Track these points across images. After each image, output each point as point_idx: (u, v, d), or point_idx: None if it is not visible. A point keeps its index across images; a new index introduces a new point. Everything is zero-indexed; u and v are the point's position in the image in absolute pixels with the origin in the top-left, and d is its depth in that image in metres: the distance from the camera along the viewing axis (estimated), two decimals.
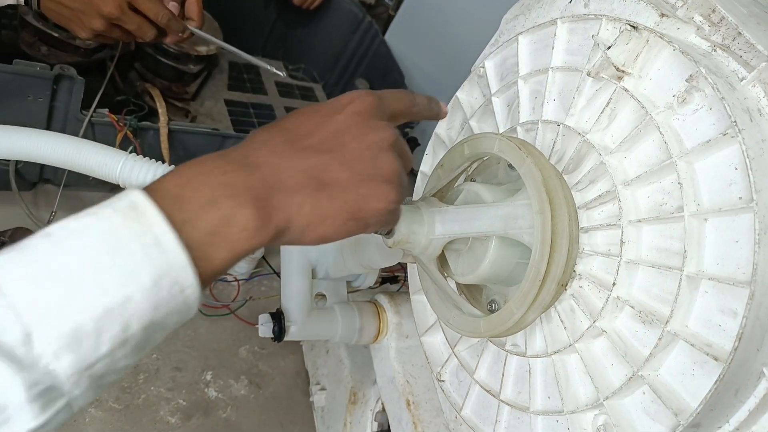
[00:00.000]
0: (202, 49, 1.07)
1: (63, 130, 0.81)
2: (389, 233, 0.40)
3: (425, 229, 0.40)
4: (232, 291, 0.96)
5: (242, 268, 0.96)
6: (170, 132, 0.88)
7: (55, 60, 0.93)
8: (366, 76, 1.29)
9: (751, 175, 0.32)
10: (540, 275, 0.38)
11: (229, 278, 0.95)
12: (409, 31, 1.30)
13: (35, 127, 0.79)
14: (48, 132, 0.61)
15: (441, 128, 0.61)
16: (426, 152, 0.63)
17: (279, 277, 1.00)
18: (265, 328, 0.62)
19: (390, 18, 1.32)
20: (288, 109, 1.28)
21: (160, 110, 0.88)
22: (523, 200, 0.41)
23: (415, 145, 1.34)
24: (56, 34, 0.90)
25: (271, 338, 0.63)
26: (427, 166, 0.63)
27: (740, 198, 0.34)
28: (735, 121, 0.34)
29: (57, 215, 0.85)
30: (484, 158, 0.48)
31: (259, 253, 0.95)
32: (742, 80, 0.38)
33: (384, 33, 1.32)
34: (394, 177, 0.32)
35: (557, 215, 0.39)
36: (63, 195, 0.87)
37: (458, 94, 0.58)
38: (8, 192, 0.87)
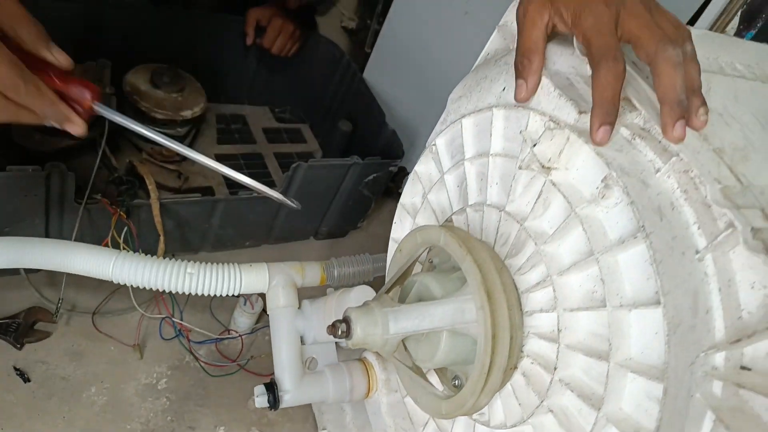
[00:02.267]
0: (187, 113, 1.11)
1: (61, 220, 0.86)
2: (348, 336, 0.44)
3: (380, 330, 0.44)
4: (237, 346, 1.00)
5: (244, 324, 1.00)
6: (162, 205, 0.92)
7: (48, 146, 0.98)
8: (349, 115, 1.32)
9: (658, 279, 0.35)
10: (485, 367, 0.42)
11: (234, 335, 0.99)
12: (385, 67, 1.33)
13: (34, 220, 0.85)
14: (39, 241, 0.66)
15: (405, 198, 0.64)
16: (394, 221, 0.66)
17: None
18: (260, 399, 0.66)
19: (367, 56, 1.35)
20: (277, 155, 1.33)
21: (150, 187, 0.93)
22: (467, 296, 0.44)
23: (404, 174, 1.38)
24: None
25: (267, 407, 0.67)
26: (396, 233, 0.66)
27: (656, 293, 0.37)
28: (643, 226, 0.36)
29: (63, 301, 0.89)
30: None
31: (258, 308, 0.99)
32: (657, 172, 0.40)
33: (362, 71, 1.35)
34: None
35: (497, 309, 0.42)
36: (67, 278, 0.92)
37: (417, 167, 0.62)
38: (17, 276, 0.92)
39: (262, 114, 1.41)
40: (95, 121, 1.00)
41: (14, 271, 0.92)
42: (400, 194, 1.44)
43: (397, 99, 1.32)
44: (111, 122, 1.01)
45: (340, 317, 0.63)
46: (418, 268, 0.55)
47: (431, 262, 0.53)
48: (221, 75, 1.29)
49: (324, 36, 1.34)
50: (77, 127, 0.38)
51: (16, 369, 0.85)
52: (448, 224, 0.52)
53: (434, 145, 0.58)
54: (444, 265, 0.51)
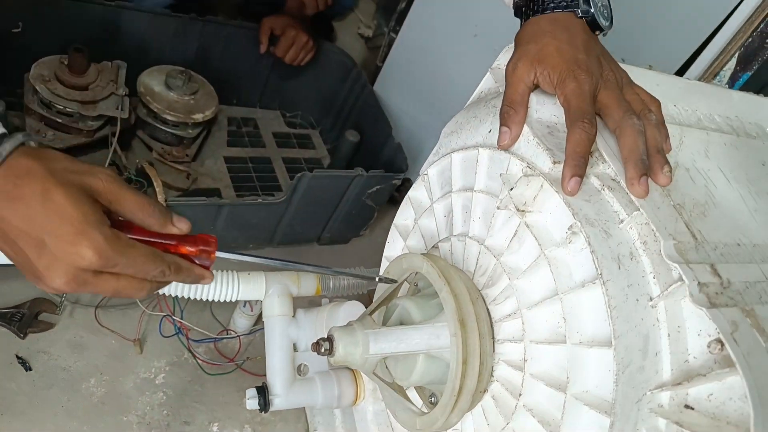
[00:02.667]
0: (199, 116, 1.16)
1: None
2: (330, 353, 0.48)
3: (360, 350, 0.48)
4: (235, 345, 1.04)
5: (243, 325, 1.04)
6: (169, 206, 0.97)
7: (60, 143, 1.03)
8: (356, 124, 1.36)
9: (611, 323, 0.39)
10: (455, 389, 0.45)
11: (232, 335, 1.03)
12: (395, 81, 1.36)
13: None
14: None
15: (398, 220, 0.68)
16: (387, 241, 0.70)
17: None
18: (251, 402, 0.70)
19: (378, 69, 1.38)
20: (285, 160, 1.37)
21: (156, 189, 0.97)
22: (443, 323, 0.48)
23: (409, 185, 1.42)
24: (60, 120, 1.00)
25: (258, 410, 0.71)
26: (389, 252, 0.70)
27: (609, 339, 0.40)
28: (601, 273, 0.40)
29: (67, 294, 0.94)
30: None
31: (257, 310, 1.03)
32: (621, 222, 0.44)
33: (373, 83, 1.39)
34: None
35: (469, 337, 0.46)
36: None
37: (410, 192, 0.66)
38: None
39: (273, 118, 1.45)
40: (107, 120, 1.05)
41: None
42: None
43: (405, 112, 1.36)
44: (122, 122, 1.06)
45: (332, 324, 0.67)
46: (405, 288, 0.59)
47: (416, 285, 0.57)
48: (234, 79, 1.33)
49: (337, 46, 1.38)
50: (208, 279, 0.42)
51: (18, 358, 0.89)
52: (432, 253, 0.56)
53: (426, 174, 0.62)
54: (427, 290, 0.55)
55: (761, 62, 0.93)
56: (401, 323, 0.52)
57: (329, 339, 0.48)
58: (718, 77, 0.99)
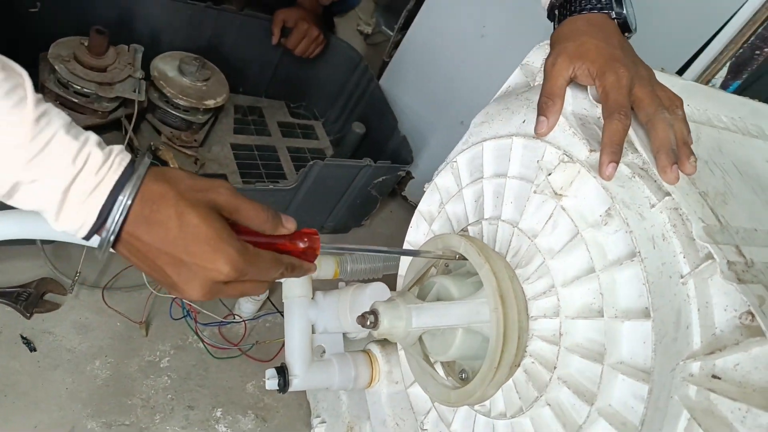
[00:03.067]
0: (210, 102, 1.16)
1: None
2: (375, 327, 0.50)
3: (403, 323, 0.50)
4: (240, 330, 1.06)
5: (248, 309, 1.05)
6: None
7: (75, 123, 1.03)
8: (362, 117, 1.38)
9: (649, 296, 0.42)
10: (495, 362, 0.48)
11: (237, 319, 1.04)
12: (402, 77, 1.39)
13: None
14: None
15: (423, 206, 0.71)
16: (410, 225, 0.72)
17: (281, 314, 1.09)
18: (271, 382, 0.72)
19: (385, 64, 1.41)
20: (290, 149, 1.38)
21: (171, 166, 0.98)
22: (482, 299, 0.50)
23: (410, 178, 1.45)
24: (76, 100, 1.00)
25: (277, 390, 0.72)
26: (411, 236, 0.72)
27: (646, 310, 0.43)
28: (639, 251, 0.43)
29: (81, 274, 0.93)
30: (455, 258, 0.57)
31: (263, 295, 1.04)
32: (652, 207, 0.47)
33: (379, 78, 1.41)
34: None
35: (508, 312, 0.49)
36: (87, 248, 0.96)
37: (436, 179, 0.68)
38: (32, 246, 0.96)
39: (278, 108, 1.47)
40: (121, 102, 1.06)
41: (29, 241, 0.95)
42: (403, 197, 1.50)
43: (409, 108, 1.39)
44: (139, 106, 1.06)
45: (356, 310, 0.69)
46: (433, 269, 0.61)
47: (447, 266, 0.59)
48: (243, 68, 1.34)
49: (345, 41, 1.40)
50: (314, 270, 0.45)
51: (23, 337, 0.88)
52: (465, 233, 0.58)
53: (455, 161, 0.65)
54: (459, 270, 0.58)
55: (750, 71, 0.98)
56: (438, 299, 0.54)
57: (374, 312, 0.50)
58: (710, 84, 1.04)
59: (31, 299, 0.91)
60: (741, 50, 1.03)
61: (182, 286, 0.39)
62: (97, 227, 0.38)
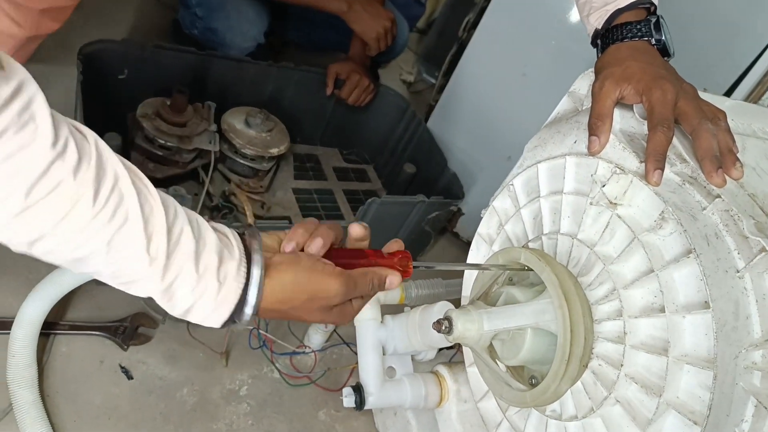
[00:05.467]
0: (274, 151, 1.27)
1: None
2: (449, 332, 0.55)
3: (476, 326, 0.55)
4: (310, 361, 1.11)
5: (317, 341, 1.11)
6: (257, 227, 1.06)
7: (159, 174, 1.14)
8: (412, 159, 1.46)
9: (707, 288, 0.46)
10: (566, 355, 0.52)
11: (308, 350, 1.10)
12: (448, 118, 1.47)
13: None
14: None
15: (482, 229, 0.76)
16: (471, 249, 0.77)
17: (349, 347, 1.15)
18: (348, 399, 0.77)
19: (431, 107, 1.50)
20: (345, 192, 1.47)
21: (247, 213, 1.07)
22: (547, 299, 0.55)
23: (460, 215, 1.50)
24: (161, 153, 1.12)
25: (354, 408, 0.77)
26: (472, 258, 0.77)
27: (705, 302, 0.47)
28: (694, 248, 0.47)
29: None
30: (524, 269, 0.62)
31: (331, 327, 1.10)
32: (703, 209, 0.51)
33: (426, 120, 1.50)
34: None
35: (573, 308, 0.53)
36: None
37: (494, 203, 0.73)
38: None
39: (332, 155, 1.57)
40: (197, 154, 1.17)
41: None
42: (455, 233, 1.55)
43: (456, 147, 1.46)
44: (214, 156, 1.17)
45: (425, 328, 0.74)
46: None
47: (511, 279, 0.64)
48: (301, 119, 1.46)
49: (393, 89, 1.50)
50: (396, 284, 0.52)
51: (121, 367, 0.97)
52: (525, 247, 0.63)
53: (512, 185, 0.70)
54: (523, 282, 0.62)
55: None
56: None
57: (448, 319, 0.55)
58: (759, 102, 1.07)
59: (127, 332, 1.00)
60: None
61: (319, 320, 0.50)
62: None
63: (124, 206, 0.39)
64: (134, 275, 0.41)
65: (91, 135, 0.38)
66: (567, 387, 0.53)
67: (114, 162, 0.39)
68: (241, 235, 0.46)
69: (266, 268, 0.45)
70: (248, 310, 0.44)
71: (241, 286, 0.44)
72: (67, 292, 0.90)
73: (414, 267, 0.51)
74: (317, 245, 0.48)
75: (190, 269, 0.41)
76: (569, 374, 0.52)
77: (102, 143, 0.39)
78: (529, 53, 1.29)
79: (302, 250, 0.48)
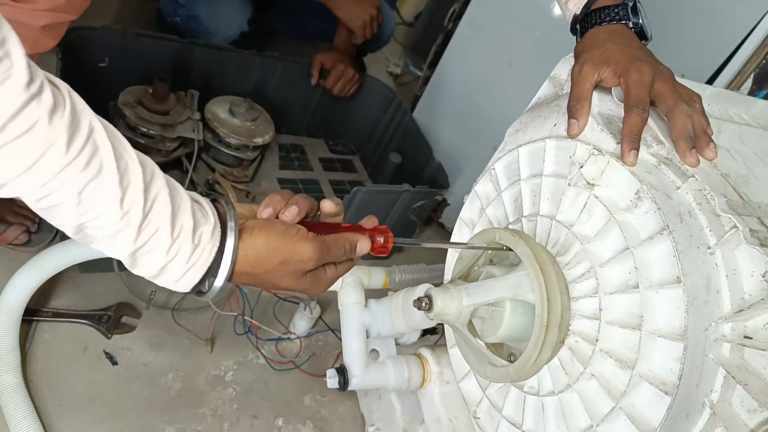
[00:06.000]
0: (258, 140, 1.27)
1: None
2: (429, 308, 0.56)
3: (456, 302, 0.56)
4: (295, 347, 1.12)
5: (302, 327, 1.11)
6: None
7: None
8: (398, 149, 1.47)
9: (679, 264, 0.47)
10: (544, 322, 0.53)
11: (293, 336, 1.11)
12: (434, 109, 1.48)
13: None
14: None
15: (464, 213, 0.77)
16: (453, 233, 0.78)
17: (334, 333, 1.15)
18: (332, 381, 0.77)
19: (417, 98, 1.50)
20: (332, 182, 1.47)
21: (231, 199, 1.07)
22: (524, 272, 0.56)
23: (445, 205, 1.51)
24: (143, 141, 1.11)
25: (337, 388, 0.78)
26: (455, 239, 0.78)
27: (677, 277, 0.48)
28: (668, 225, 0.48)
29: (156, 292, 1.03)
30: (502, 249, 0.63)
31: (316, 313, 1.10)
32: (677, 189, 0.52)
33: (412, 111, 1.50)
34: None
35: (548, 278, 0.54)
36: None
37: (476, 187, 0.74)
38: (110, 273, 1.05)
39: (318, 145, 1.57)
40: (181, 143, 1.17)
41: (108, 268, 1.05)
42: (440, 224, 1.56)
43: (442, 137, 1.47)
44: (198, 144, 1.16)
45: (408, 310, 0.75)
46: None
47: (491, 261, 0.65)
48: (286, 109, 1.45)
49: (379, 79, 1.51)
50: (366, 249, 0.53)
51: (106, 353, 0.97)
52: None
53: (493, 169, 0.71)
54: (503, 263, 0.64)
55: None
56: None
57: (428, 296, 0.56)
58: (740, 91, 1.09)
59: (111, 321, 1.00)
60: (764, 61, 1.08)
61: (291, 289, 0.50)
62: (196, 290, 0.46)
63: (98, 157, 0.38)
64: (104, 231, 0.40)
65: (64, 86, 0.38)
66: (548, 356, 0.54)
67: (89, 114, 0.38)
68: (214, 202, 0.47)
69: (240, 232, 0.45)
70: (222, 272, 0.44)
71: (215, 247, 0.44)
72: (49, 277, 0.90)
73: (394, 244, 0.52)
74: (292, 212, 0.48)
75: (165, 229, 0.41)
76: (549, 341, 0.53)
77: (76, 96, 0.38)
78: (515, 43, 1.30)
79: (277, 217, 0.49)
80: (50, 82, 0.37)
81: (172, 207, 0.42)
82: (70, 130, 0.36)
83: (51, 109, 0.35)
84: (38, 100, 0.35)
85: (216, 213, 0.45)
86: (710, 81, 1.05)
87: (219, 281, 0.44)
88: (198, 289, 0.45)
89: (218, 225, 0.45)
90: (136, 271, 0.44)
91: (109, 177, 0.39)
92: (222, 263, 0.44)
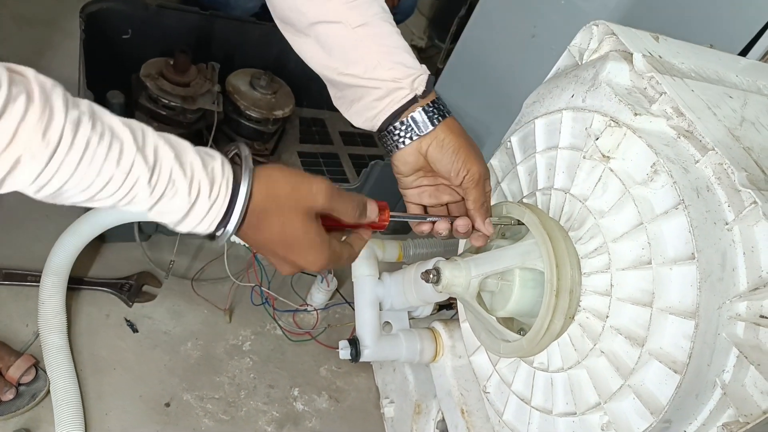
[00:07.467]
0: (279, 113, 1.27)
1: None
2: (437, 281, 0.55)
3: (464, 273, 0.55)
4: (312, 319, 1.13)
5: (319, 299, 1.12)
6: None
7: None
8: None
9: (693, 239, 0.45)
10: (554, 287, 0.53)
11: (310, 308, 1.12)
12: (456, 82, 1.45)
13: None
14: None
15: None
16: None
17: (350, 306, 1.16)
18: (344, 352, 0.78)
19: (439, 71, 1.48)
20: (351, 156, 1.47)
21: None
22: (531, 240, 0.55)
23: None
24: (164, 113, 1.12)
25: (349, 359, 0.79)
26: None
27: (692, 253, 0.47)
28: (683, 200, 0.47)
29: (175, 262, 1.05)
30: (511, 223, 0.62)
31: (333, 286, 1.11)
32: (696, 162, 0.50)
33: (435, 84, 1.48)
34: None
35: (556, 244, 0.53)
36: (179, 242, 1.07)
37: (492, 161, 0.73)
38: (132, 243, 1.08)
39: (339, 119, 1.55)
40: (201, 115, 1.17)
41: (130, 238, 1.07)
42: None
43: (465, 111, 1.44)
44: (217, 117, 1.17)
45: (420, 282, 0.75)
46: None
47: (503, 235, 0.64)
48: (306, 82, 1.44)
49: None
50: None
51: (127, 320, 1.00)
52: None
53: (509, 141, 0.70)
54: (515, 237, 0.63)
55: None
56: None
57: (436, 269, 0.56)
58: None
59: (132, 290, 1.03)
60: None
61: (279, 267, 0.51)
62: (213, 235, 0.46)
63: (82, 134, 0.37)
64: (114, 198, 0.41)
65: (30, 71, 0.37)
66: (559, 324, 0.54)
67: (60, 94, 0.37)
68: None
69: (253, 170, 0.45)
70: (239, 202, 0.43)
71: (230, 178, 0.43)
72: (89, 240, 0.93)
73: (392, 218, 0.52)
74: None
75: (177, 171, 0.41)
76: (561, 308, 0.53)
77: (44, 78, 0.37)
78: (539, 13, 1.26)
79: None
80: (12, 71, 0.36)
81: (174, 151, 0.42)
82: (42, 119, 0.35)
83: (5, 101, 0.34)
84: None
85: (219, 153, 0.46)
86: (744, 52, 1.00)
87: (236, 214, 0.44)
88: (220, 229, 0.45)
89: (226, 161, 0.45)
90: (163, 220, 0.44)
91: (101, 149, 0.38)
92: (240, 191, 0.43)
